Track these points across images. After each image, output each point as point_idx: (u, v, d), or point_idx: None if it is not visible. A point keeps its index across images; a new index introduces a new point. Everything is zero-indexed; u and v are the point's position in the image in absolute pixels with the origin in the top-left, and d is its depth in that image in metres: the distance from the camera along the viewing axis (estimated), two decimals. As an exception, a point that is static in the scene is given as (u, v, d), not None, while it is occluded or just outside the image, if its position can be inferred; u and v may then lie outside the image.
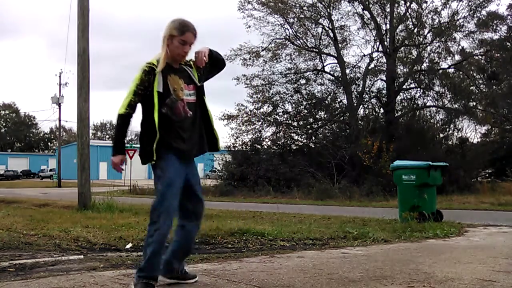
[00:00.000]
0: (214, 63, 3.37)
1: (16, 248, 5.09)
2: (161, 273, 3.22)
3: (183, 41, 3.12)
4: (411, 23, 24.81)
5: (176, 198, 3.12)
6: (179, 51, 3.14)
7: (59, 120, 42.27)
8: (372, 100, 25.82)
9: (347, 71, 24.83)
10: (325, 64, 25.57)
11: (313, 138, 25.80)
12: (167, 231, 3.09)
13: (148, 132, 3.11)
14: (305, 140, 26.07)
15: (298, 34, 25.23)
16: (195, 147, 3.26)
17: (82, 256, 4.68)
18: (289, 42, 25.11)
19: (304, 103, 25.70)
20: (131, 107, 3.11)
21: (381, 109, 25.49)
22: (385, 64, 24.77)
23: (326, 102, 25.66)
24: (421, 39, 24.69)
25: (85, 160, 11.10)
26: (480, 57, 25.03)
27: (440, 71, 24.69)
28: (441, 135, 24.76)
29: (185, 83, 3.20)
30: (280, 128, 25.60)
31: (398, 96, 24.85)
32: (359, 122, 24.51)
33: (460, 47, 24.72)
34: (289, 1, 24.62)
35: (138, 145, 3.37)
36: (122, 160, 3.19)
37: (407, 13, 24.46)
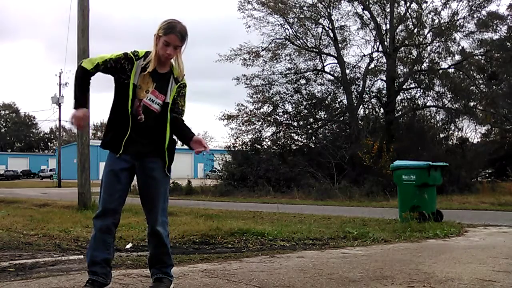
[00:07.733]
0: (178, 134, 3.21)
1: (16, 248, 5.09)
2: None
3: (166, 42, 3.01)
4: (411, 23, 24.79)
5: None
6: (162, 52, 3.03)
7: (59, 120, 42.27)
8: (372, 100, 25.81)
9: (347, 71, 24.80)
10: (325, 64, 25.56)
11: (313, 138, 25.75)
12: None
13: (118, 121, 3.09)
14: (305, 140, 26.04)
15: (298, 34, 25.20)
16: (139, 146, 3.10)
17: (82, 256, 4.67)
18: (289, 42, 25.08)
19: (304, 103, 25.68)
20: (96, 68, 3.04)
21: (381, 109, 25.46)
22: (385, 64, 24.73)
23: (326, 102, 25.63)
24: (421, 39, 24.66)
25: (85, 160, 11.12)
26: (480, 57, 24.97)
27: (440, 71, 24.63)
28: (441, 135, 24.72)
29: (156, 88, 3.08)
30: (280, 128, 25.56)
31: (398, 96, 24.82)
32: (359, 122, 24.47)
33: (460, 47, 24.69)
34: (289, 1, 24.58)
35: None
36: (85, 114, 2.99)
37: (407, 13, 24.44)
